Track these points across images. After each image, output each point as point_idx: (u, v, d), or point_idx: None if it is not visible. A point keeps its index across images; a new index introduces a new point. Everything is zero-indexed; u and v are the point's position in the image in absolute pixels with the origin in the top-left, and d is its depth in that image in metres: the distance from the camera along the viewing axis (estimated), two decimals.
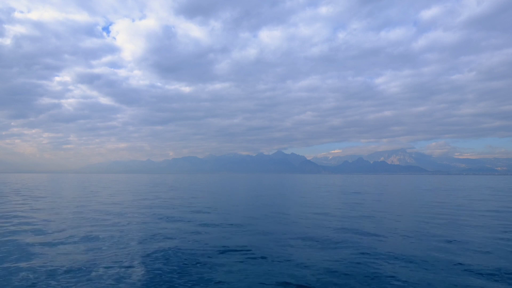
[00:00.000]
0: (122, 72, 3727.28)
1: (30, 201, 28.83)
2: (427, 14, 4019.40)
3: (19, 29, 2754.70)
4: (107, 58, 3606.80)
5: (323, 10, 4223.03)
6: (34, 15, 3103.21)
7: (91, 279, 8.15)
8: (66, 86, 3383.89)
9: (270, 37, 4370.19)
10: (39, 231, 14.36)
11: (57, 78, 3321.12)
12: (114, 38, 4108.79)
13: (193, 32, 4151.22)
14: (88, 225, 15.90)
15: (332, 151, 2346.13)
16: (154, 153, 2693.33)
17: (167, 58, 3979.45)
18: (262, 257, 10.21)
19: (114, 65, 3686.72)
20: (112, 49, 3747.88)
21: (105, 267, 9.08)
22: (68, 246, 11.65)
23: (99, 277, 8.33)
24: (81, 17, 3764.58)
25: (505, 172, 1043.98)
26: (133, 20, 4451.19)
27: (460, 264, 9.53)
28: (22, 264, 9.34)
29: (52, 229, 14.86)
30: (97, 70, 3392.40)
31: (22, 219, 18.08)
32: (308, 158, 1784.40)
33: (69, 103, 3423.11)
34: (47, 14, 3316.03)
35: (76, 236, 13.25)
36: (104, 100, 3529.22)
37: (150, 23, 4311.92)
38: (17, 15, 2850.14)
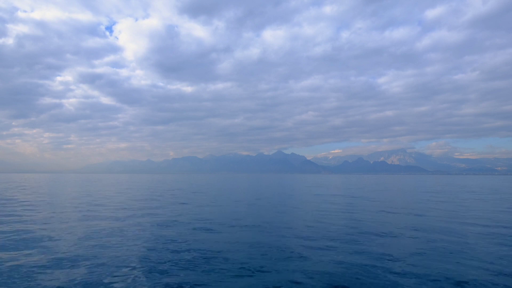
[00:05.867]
0: (124, 72, 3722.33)
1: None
2: (432, 13, 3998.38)
3: (21, 29, 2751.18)
4: (109, 58, 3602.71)
5: (327, 9, 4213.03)
6: (37, 15, 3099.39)
7: None
8: (68, 86, 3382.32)
9: (273, 36, 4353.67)
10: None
11: (58, 78, 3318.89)
12: (117, 37, 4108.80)
13: (196, 31, 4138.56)
14: None
15: (332, 151, 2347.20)
16: (154, 153, 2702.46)
17: (169, 58, 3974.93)
18: None
19: (116, 64, 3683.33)
20: (115, 49, 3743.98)
21: None
22: None
23: None
24: (84, 16, 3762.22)
25: (505, 172, 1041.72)
26: (136, 20, 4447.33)
27: None
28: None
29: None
30: (99, 70, 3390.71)
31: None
32: (308, 158, 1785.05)
33: (70, 103, 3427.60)
34: (50, 14, 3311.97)
35: None
36: (106, 100, 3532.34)
37: (153, 22, 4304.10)
38: (20, 14, 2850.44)
